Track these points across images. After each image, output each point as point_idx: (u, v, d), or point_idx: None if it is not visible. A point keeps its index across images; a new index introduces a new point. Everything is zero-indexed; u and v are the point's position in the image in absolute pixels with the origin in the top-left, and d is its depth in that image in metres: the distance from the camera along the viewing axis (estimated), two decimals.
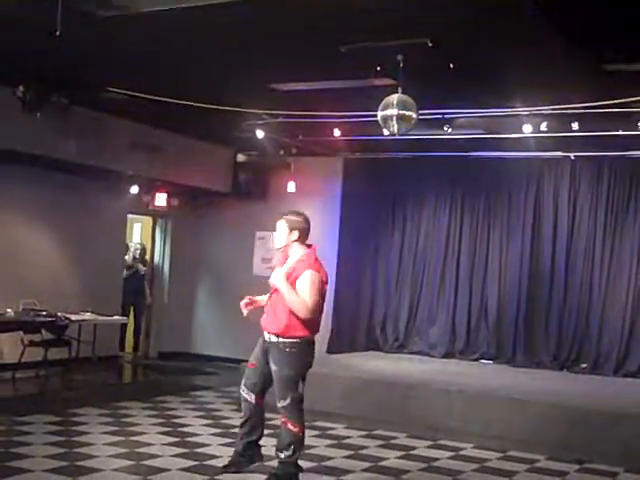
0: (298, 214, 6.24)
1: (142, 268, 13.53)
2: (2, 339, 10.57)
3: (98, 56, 7.66)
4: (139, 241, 14.21)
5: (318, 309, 5.99)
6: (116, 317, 11.47)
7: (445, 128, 9.31)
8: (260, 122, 9.93)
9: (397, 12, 6.04)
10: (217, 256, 13.70)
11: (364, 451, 7.55)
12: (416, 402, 8.51)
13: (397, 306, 12.31)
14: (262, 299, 6.29)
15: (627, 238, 10.86)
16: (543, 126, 8.94)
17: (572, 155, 10.70)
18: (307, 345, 6.07)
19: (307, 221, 6.19)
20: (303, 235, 6.15)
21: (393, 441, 8.05)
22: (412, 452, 7.64)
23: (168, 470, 6.38)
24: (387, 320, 12.35)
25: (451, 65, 7.13)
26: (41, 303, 10.40)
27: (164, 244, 13.89)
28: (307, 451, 7.02)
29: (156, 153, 11.08)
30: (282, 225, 6.15)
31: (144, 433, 7.65)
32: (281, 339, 6.01)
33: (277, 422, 6.30)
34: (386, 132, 7.37)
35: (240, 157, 12.89)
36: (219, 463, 6.57)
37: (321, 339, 11.41)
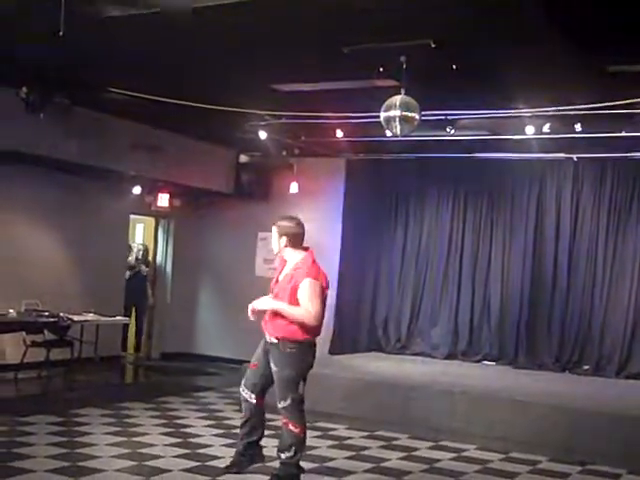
0: (290, 219, 6.26)
1: (144, 269, 13.55)
2: (4, 339, 10.59)
3: (100, 57, 7.67)
4: (142, 242, 14.23)
5: (322, 314, 6.00)
6: (118, 318, 11.48)
7: (448, 129, 9.30)
8: (263, 123, 9.93)
9: (399, 13, 6.03)
10: (219, 257, 13.70)
11: (366, 452, 7.55)
12: (418, 403, 8.50)
13: (399, 307, 12.30)
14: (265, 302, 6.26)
15: (630, 240, 10.84)
16: (546, 127, 8.94)
17: (575, 156, 10.69)
18: (308, 347, 6.07)
19: (299, 225, 6.20)
20: (294, 240, 6.17)
21: (395, 442, 8.05)
22: (414, 453, 7.64)
23: (170, 471, 6.39)
24: (389, 321, 12.34)
25: (454, 66, 7.13)
26: (43, 303, 10.41)
27: (166, 245, 13.89)
28: (309, 452, 7.02)
29: (158, 153, 11.08)
30: (274, 231, 6.24)
31: (146, 434, 7.66)
32: (282, 341, 6.03)
33: (279, 423, 6.30)
34: (389, 133, 7.37)
35: (242, 158, 12.89)
36: (221, 464, 6.58)
37: (323, 340, 11.43)
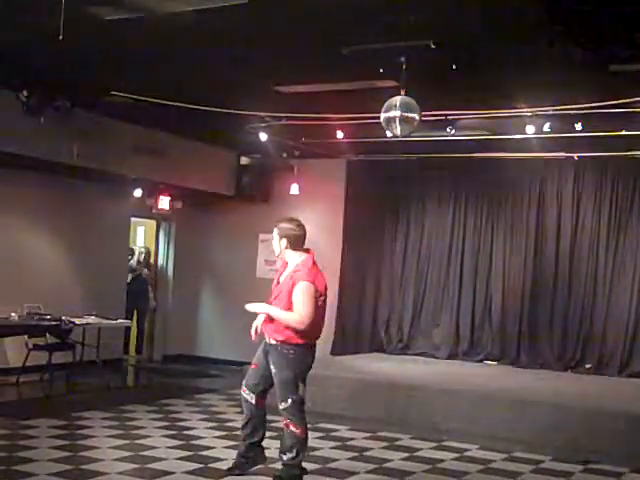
0: (290, 221, 6.28)
1: (146, 272, 13.54)
2: (7, 343, 10.60)
3: (100, 59, 7.67)
4: (143, 245, 14.23)
5: (311, 319, 5.96)
6: (120, 320, 11.46)
7: (448, 129, 9.30)
8: (263, 124, 9.93)
9: (399, 13, 6.03)
10: (221, 259, 13.71)
11: (368, 453, 7.55)
12: (420, 403, 8.50)
13: (401, 307, 12.30)
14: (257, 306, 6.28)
15: (631, 239, 10.84)
16: (546, 127, 8.94)
17: (575, 156, 10.69)
18: (306, 349, 6.09)
19: (299, 227, 6.21)
20: (294, 242, 6.18)
21: (397, 442, 8.05)
22: (416, 453, 7.64)
23: (173, 473, 6.39)
24: (391, 321, 12.33)
25: (454, 66, 7.12)
26: (45, 307, 10.40)
27: (168, 247, 13.90)
28: (311, 453, 7.03)
29: (159, 156, 11.08)
30: (274, 233, 6.26)
31: (149, 436, 7.66)
32: (280, 343, 6.04)
33: (280, 424, 6.30)
34: (389, 134, 7.37)
35: (243, 160, 12.89)
36: (223, 466, 6.58)
37: (325, 341, 11.49)
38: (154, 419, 8.51)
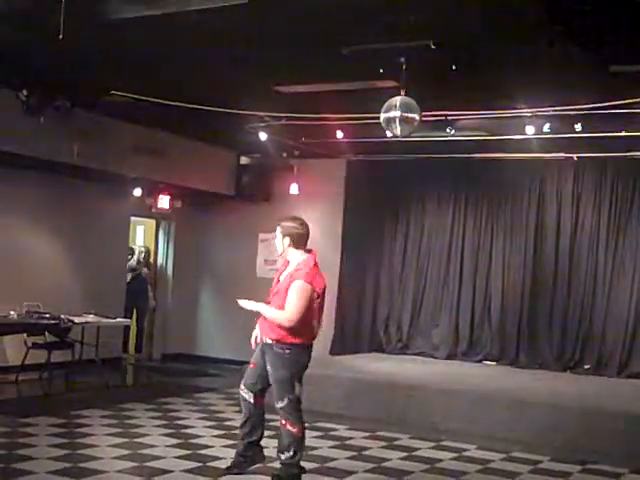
0: (293, 220, 6.28)
1: (146, 271, 13.55)
2: (6, 341, 10.61)
3: (100, 59, 7.68)
4: (143, 244, 14.23)
5: (300, 318, 5.95)
6: (119, 319, 11.47)
7: (448, 130, 9.31)
8: (263, 124, 9.94)
9: (399, 13, 6.04)
10: (220, 258, 13.72)
11: (367, 452, 7.56)
12: (419, 403, 8.51)
13: (400, 307, 12.31)
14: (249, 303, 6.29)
15: (630, 240, 10.84)
16: (546, 127, 8.94)
17: (575, 156, 10.70)
18: (302, 349, 6.09)
19: (303, 226, 6.21)
20: (297, 240, 6.17)
21: (396, 442, 8.05)
22: (415, 453, 7.64)
23: (171, 472, 6.39)
24: (390, 321, 12.34)
25: (454, 67, 7.13)
26: (45, 305, 10.40)
27: (167, 246, 13.91)
28: (310, 452, 7.04)
29: (159, 156, 11.09)
30: (277, 232, 6.24)
31: (147, 435, 7.66)
32: (275, 343, 6.05)
33: (278, 424, 6.31)
34: (389, 134, 7.38)
35: (243, 159, 12.91)
36: (222, 465, 6.58)
37: (324, 340, 11.52)
38: (153, 418, 8.52)
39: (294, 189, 12.45)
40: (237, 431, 6.57)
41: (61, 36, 5.89)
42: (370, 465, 7.04)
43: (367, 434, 8.30)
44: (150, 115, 9.76)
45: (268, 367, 6.12)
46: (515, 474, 7.04)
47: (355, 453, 7.47)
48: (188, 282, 13.87)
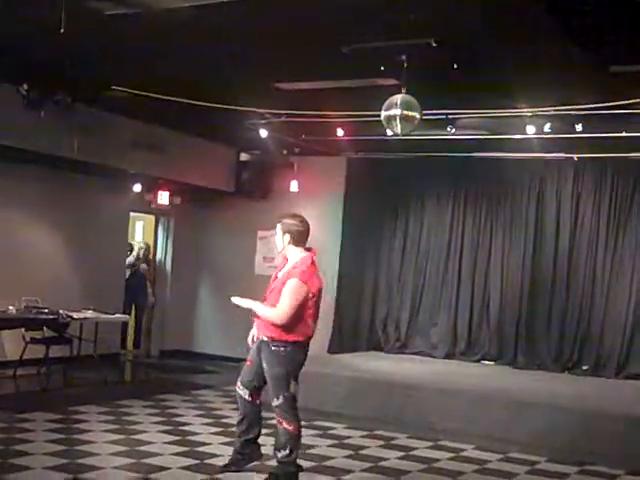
0: (294, 217, 6.27)
1: (144, 267, 13.53)
2: (4, 336, 10.60)
3: (101, 54, 7.67)
4: (143, 240, 14.22)
5: (291, 316, 5.93)
6: (118, 315, 11.45)
7: (448, 128, 9.30)
8: (263, 121, 9.93)
9: (401, 12, 6.03)
10: (219, 255, 13.71)
11: (364, 451, 7.55)
12: (417, 403, 8.50)
13: (399, 306, 12.29)
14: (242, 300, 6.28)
15: (630, 240, 10.83)
16: (547, 127, 8.93)
17: (575, 156, 10.69)
18: (298, 347, 6.08)
19: (303, 224, 6.19)
20: (297, 238, 6.16)
21: (393, 441, 8.05)
22: (412, 453, 7.64)
23: (168, 468, 6.39)
24: (389, 320, 12.32)
25: (455, 65, 7.11)
26: (43, 300, 10.39)
27: (166, 243, 13.90)
28: (307, 451, 7.04)
29: (158, 151, 11.08)
30: (278, 229, 6.22)
31: (145, 431, 7.66)
32: (271, 340, 6.05)
33: (275, 421, 6.30)
34: (389, 132, 7.36)
35: (243, 156, 12.90)
36: (219, 462, 6.58)
37: (322, 339, 11.51)
38: (150, 414, 8.51)
39: (294, 186, 12.44)
40: (234, 429, 6.57)
41: (62, 30, 5.88)
42: (367, 464, 7.03)
43: (365, 433, 8.30)
44: (150, 111, 9.74)
45: (264, 364, 6.11)
46: (512, 475, 7.04)
47: (353, 452, 7.46)
48: (187, 278, 13.86)
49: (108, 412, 8.44)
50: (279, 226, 6.21)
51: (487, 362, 11.45)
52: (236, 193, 12.97)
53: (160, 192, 12.50)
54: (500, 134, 9.67)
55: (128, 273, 13.21)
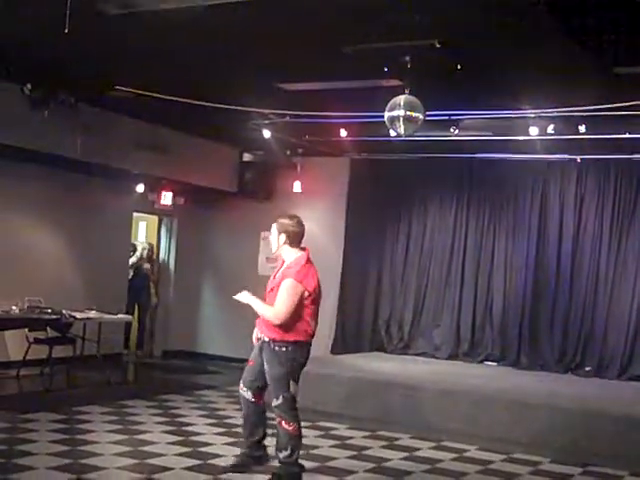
0: (290, 217, 6.31)
1: (147, 267, 13.53)
2: (7, 336, 10.61)
3: (105, 54, 7.67)
4: (146, 240, 14.23)
5: (288, 316, 5.96)
6: (121, 315, 11.46)
7: (452, 130, 9.29)
8: (266, 121, 9.93)
9: (404, 13, 6.03)
10: (222, 255, 13.71)
11: (367, 452, 7.55)
12: (420, 403, 8.50)
13: (402, 307, 12.28)
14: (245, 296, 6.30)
15: (633, 241, 10.81)
16: (550, 128, 8.93)
17: (579, 158, 10.68)
18: (299, 347, 6.10)
19: (298, 224, 6.24)
20: (292, 238, 6.20)
21: (396, 442, 8.05)
22: (415, 453, 7.63)
23: (172, 469, 6.39)
24: (392, 321, 12.31)
25: (458, 66, 7.11)
26: (46, 301, 10.39)
27: (169, 243, 13.91)
28: (310, 451, 7.05)
29: (162, 152, 11.08)
30: (273, 229, 6.29)
31: (148, 432, 7.66)
32: (272, 340, 6.06)
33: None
34: (393, 133, 7.37)
35: (246, 156, 12.89)
36: (223, 462, 6.59)
37: (325, 340, 11.51)
38: (154, 415, 8.52)
39: (297, 187, 12.44)
40: (238, 429, 6.59)
41: (66, 30, 5.88)
42: (370, 465, 7.03)
43: (367, 434, 8.30)
44: (153, 111, 9.74)
45: (264, 364, 6.13)
46: (515, 475, 7.04)
47: (355, 453, 7.46)
48: (190, 279, 13.86)
49: (111, 412, 8.45)
50: (275, 226, 6.28)
51: (490, 363, 11.45)
52: (239, 194, 12.96)
53: (163, 192, 12.49)
54: (503, 135, 9.66)
55: (131, 273, 13.22)
